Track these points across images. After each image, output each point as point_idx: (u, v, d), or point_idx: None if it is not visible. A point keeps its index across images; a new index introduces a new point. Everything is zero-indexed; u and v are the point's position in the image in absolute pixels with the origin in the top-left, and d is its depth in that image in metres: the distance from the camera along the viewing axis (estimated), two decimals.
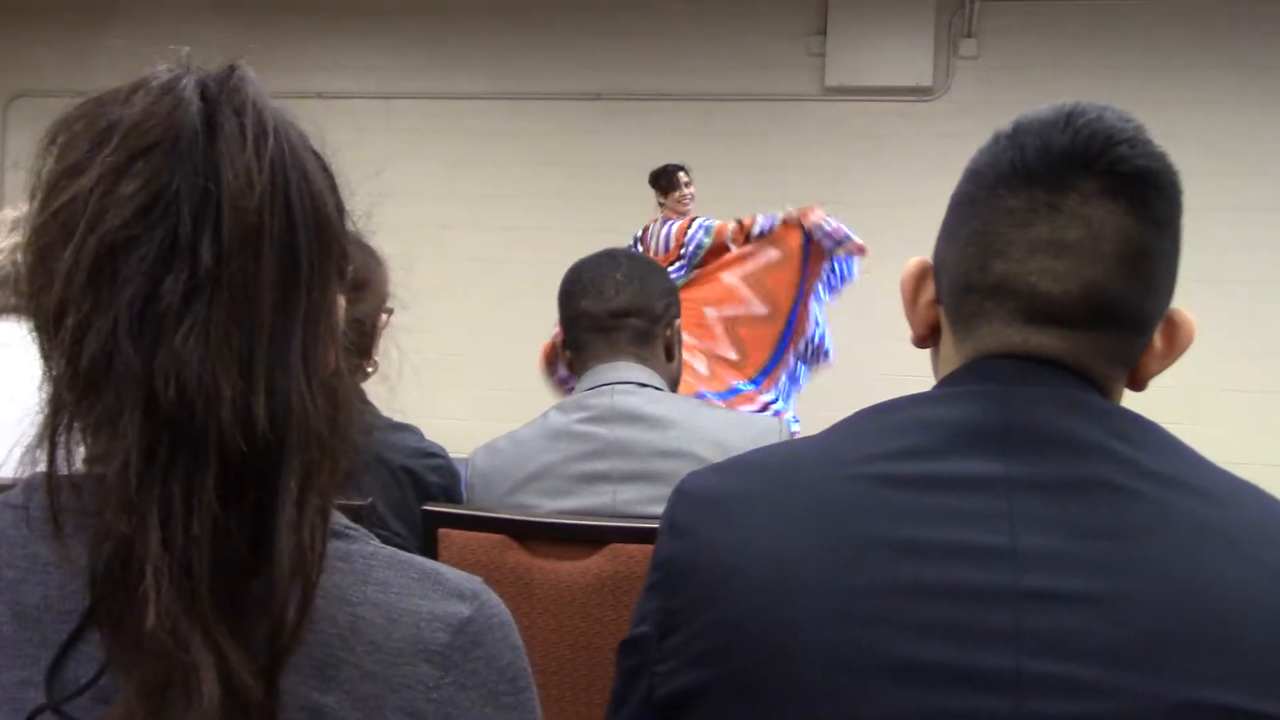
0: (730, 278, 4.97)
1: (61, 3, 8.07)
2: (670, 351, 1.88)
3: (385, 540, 1.74)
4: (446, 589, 0.77)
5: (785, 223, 4.95)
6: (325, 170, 0.77)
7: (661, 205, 5.35)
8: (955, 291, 0.94)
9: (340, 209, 0.77)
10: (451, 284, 7.33)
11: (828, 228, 4.95)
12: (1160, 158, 0.88)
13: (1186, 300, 0.93)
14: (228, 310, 0.66)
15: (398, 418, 1.87)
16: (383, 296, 1.90)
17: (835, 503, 0.85)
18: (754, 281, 4.99)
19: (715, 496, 0.92)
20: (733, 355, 4.92)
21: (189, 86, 0.69)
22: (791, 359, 5.10)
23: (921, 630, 0.79)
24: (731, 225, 5.04)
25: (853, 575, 0.81)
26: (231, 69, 0.71)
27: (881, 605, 0.80)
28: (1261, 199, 6.90)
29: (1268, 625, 0.76)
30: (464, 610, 0.76)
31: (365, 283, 1.85)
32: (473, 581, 0.79)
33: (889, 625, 0.79)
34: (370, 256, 1.88)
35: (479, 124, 7.73)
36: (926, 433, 0.87)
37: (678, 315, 1.90)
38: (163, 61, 0.72)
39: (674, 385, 1.89)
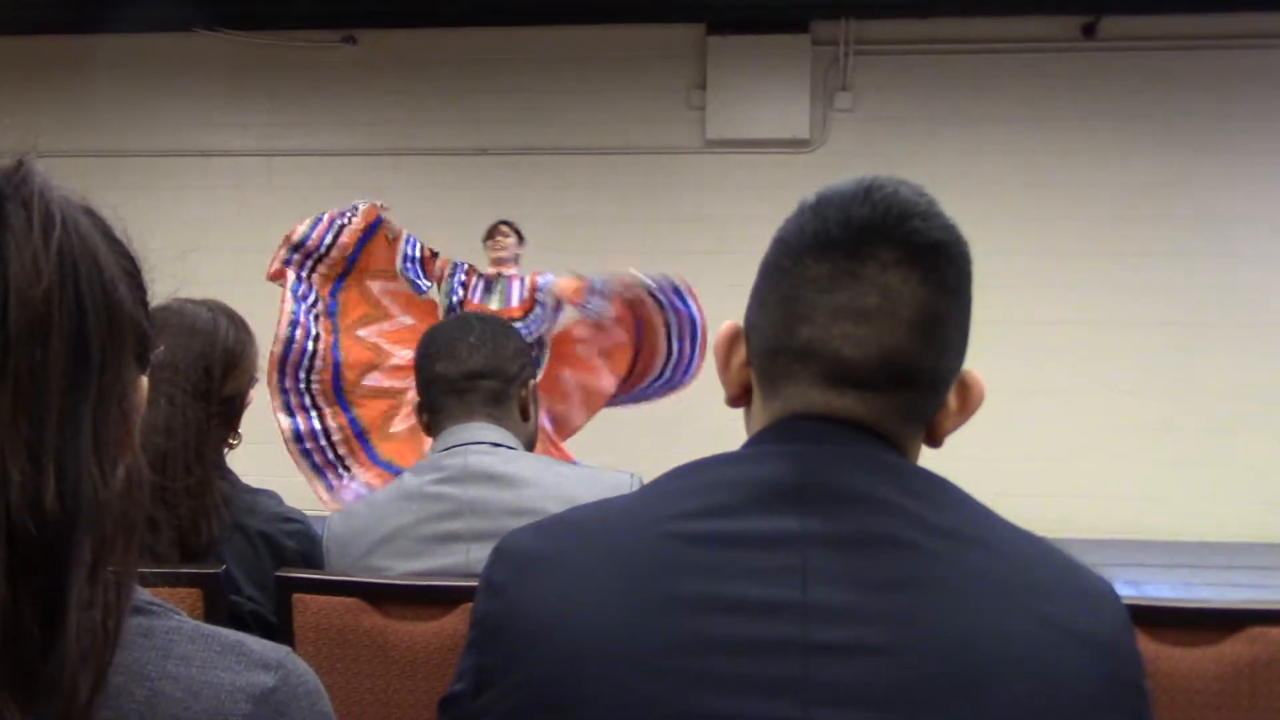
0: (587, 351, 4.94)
1: None
2: (525, 411, 1.90)
3: (238, 606, 1.74)
4: (251, 660, 0.78)
5: (619, 298, 4.79)
6: (124, 255, 0.78)
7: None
8: (765, 354, 0.98)
9: (139, 293, 0.78)
10: None
11: (659, 284, 4.74)
12: (951, 230, 0.94)
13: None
14: (14, 398, 0.67)
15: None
16: (252, 371, 1.92)
17: (640, 561, 0.88)
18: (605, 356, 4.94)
19: (529, 556, 0.94)
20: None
21: None
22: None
23: (715, 684, 0.82)
24: (571, 280, 4.96)
25: (652, 632, 0.84)
26: (19, 164, 0.73)
27: (678, 661, 0.83)
28: (1131, 244, 7.17)
29: (1030, 675, 0.81)
30: (268, 680, 0.77)
31: (239, 359, 1.87)
32: (279, 651, 0.80)
33: (684, 680, 0.82)
34: (244, 332, 1.91)
35: (361, 180, 7.69)
36: (729, 491, 0.90)
37: (532, 376, 1.92)
38: None
39: (530, 445, 1.91)
